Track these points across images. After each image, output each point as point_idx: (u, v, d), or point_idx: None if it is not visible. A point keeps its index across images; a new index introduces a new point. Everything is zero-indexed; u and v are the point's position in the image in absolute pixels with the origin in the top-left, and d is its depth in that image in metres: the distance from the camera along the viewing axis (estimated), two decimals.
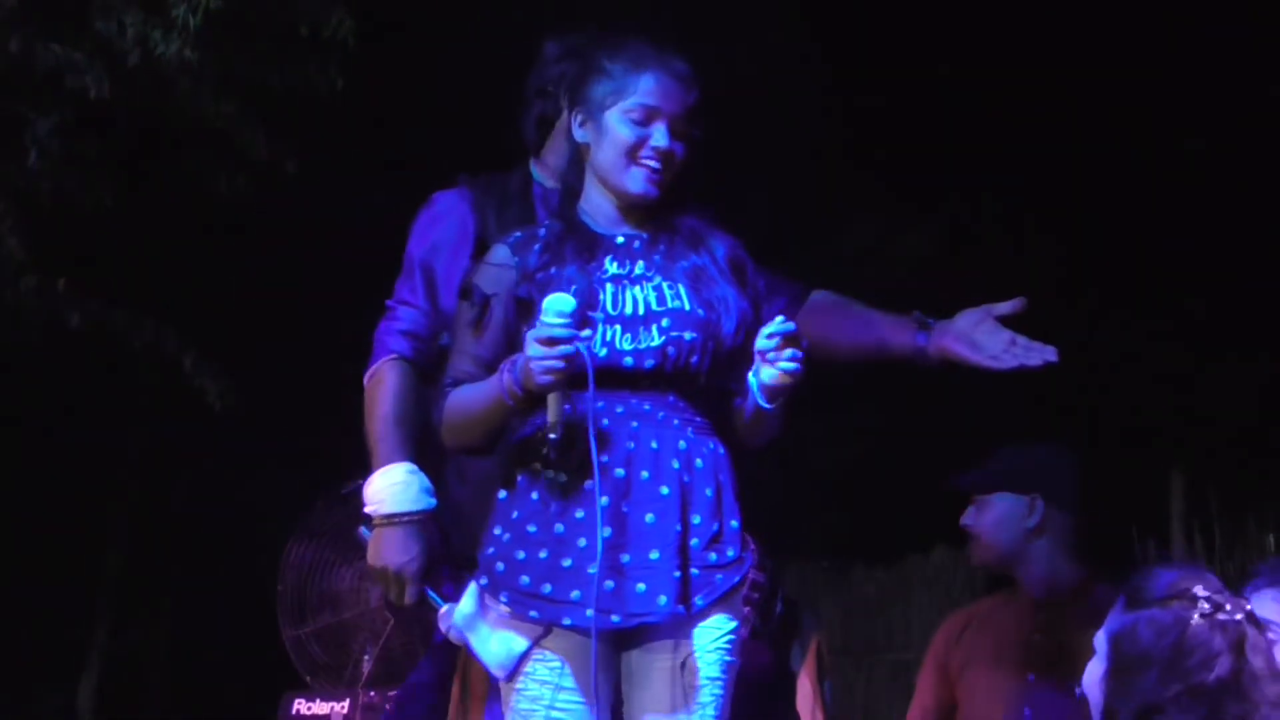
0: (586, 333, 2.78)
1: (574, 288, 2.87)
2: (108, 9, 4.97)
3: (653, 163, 2.92)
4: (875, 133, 5.46)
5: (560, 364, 2.72)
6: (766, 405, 2.82)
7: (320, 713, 4.70)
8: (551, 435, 2.75)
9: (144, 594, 6.23)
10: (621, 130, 2.93)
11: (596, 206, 3.00)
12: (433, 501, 3.00)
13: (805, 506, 5.88)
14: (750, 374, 2.83)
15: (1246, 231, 6.18)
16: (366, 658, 4.79)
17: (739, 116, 5.60)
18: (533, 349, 2.72)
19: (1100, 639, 2.50)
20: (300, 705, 4.74)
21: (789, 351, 2.77)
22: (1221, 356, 6.63)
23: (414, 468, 3.02)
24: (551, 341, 2.72)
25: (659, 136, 2.92)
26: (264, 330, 5.92)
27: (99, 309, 5.48)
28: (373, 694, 4.67)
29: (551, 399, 2.76)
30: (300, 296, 5.96)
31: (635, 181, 2.93)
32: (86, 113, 5.11)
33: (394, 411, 3.06)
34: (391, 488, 3.00)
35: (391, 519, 2.99)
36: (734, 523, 2.85)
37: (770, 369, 2.79)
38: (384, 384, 3.09)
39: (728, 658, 2.86)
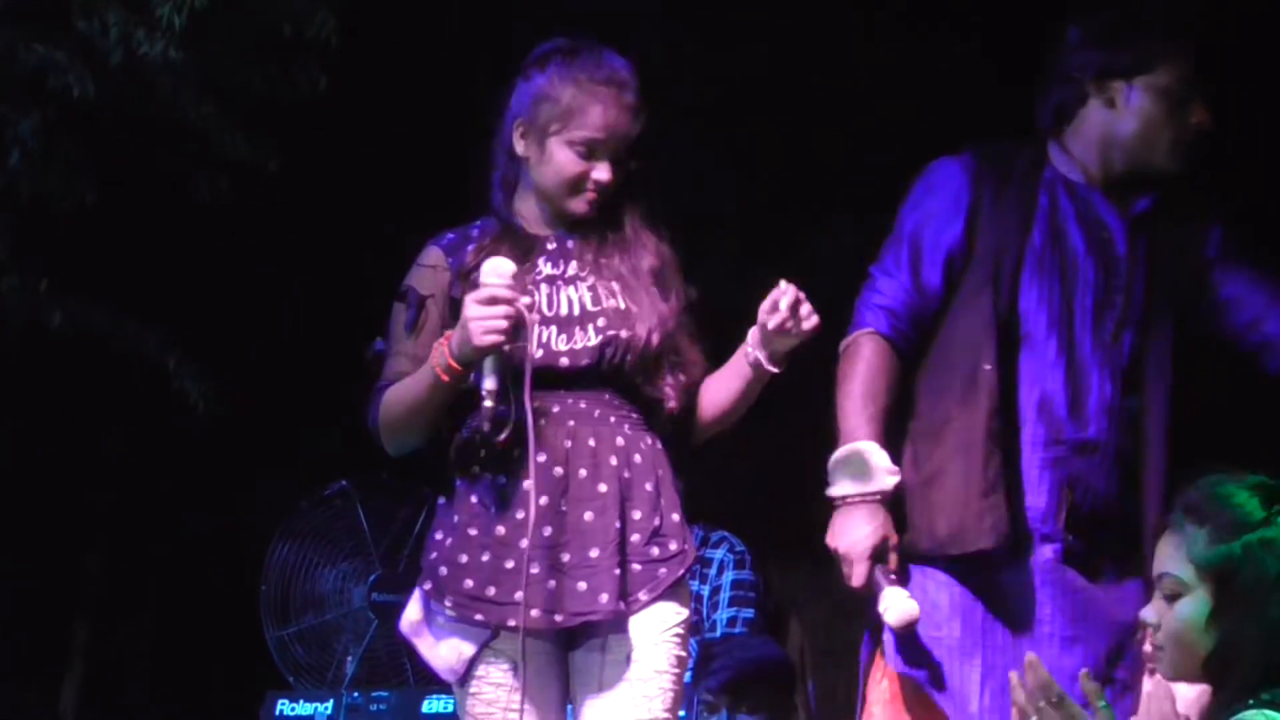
0: (527, 299, 2.79)
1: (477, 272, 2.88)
2: (90, 8, 4.95)
3: (592, 195, 2.93)
4: (857, 132, 5.45)
5: (503, 322, 2.73)
6: (776, 368, 2.84)
7: (303, 714, 4.70)
8: (485, 401, 2.75)
9: (126, 594, 6.21)
10: (564, 159, 2.94)
11: (530, 209, 3.02)
12: (891, 481, 2.90)
13: (787, 507, 5.88)
14: (749, 347, 2.85)
15: None
16: (350, 659, 4.79)
17: (723, 115, 5.61)
18: (473, 309, 2.73)
19: (1183, 574, 2.32)
20: (283, 706, 4.73)
21: (805, 309, 2.79)
22: None
23: (873, 446, 2.92)
24: (493, 300, 2.73)
25: (601, 171, 2.93)
26: (247, 331, 5.91)
27: (80, 309, 5.47)
28: (356, 695, 4.67)
29: (488, 362, 2.76)
30: (283, 298, 5.95)
31: (575, 206, 2.95)
32: (69, 112, 5.09)
33: (861, 388, 2.97)
34: (847, 467, 2.93)
35: (845, 499, 2.92)
36: (675, 516, 2.87)
37: (785, 337, 2.79)
38: (856, 359, 3.01)
39: (676, 650, 2.86)
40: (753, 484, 6.07)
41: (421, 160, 6.21)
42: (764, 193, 5.61)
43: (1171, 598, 2.31)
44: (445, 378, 2.79)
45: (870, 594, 2.88)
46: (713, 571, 4.87)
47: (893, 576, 2.86)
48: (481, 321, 2.73)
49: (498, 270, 2.78)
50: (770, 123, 5.55)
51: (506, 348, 2.76)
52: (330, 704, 4.64)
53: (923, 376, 3.02)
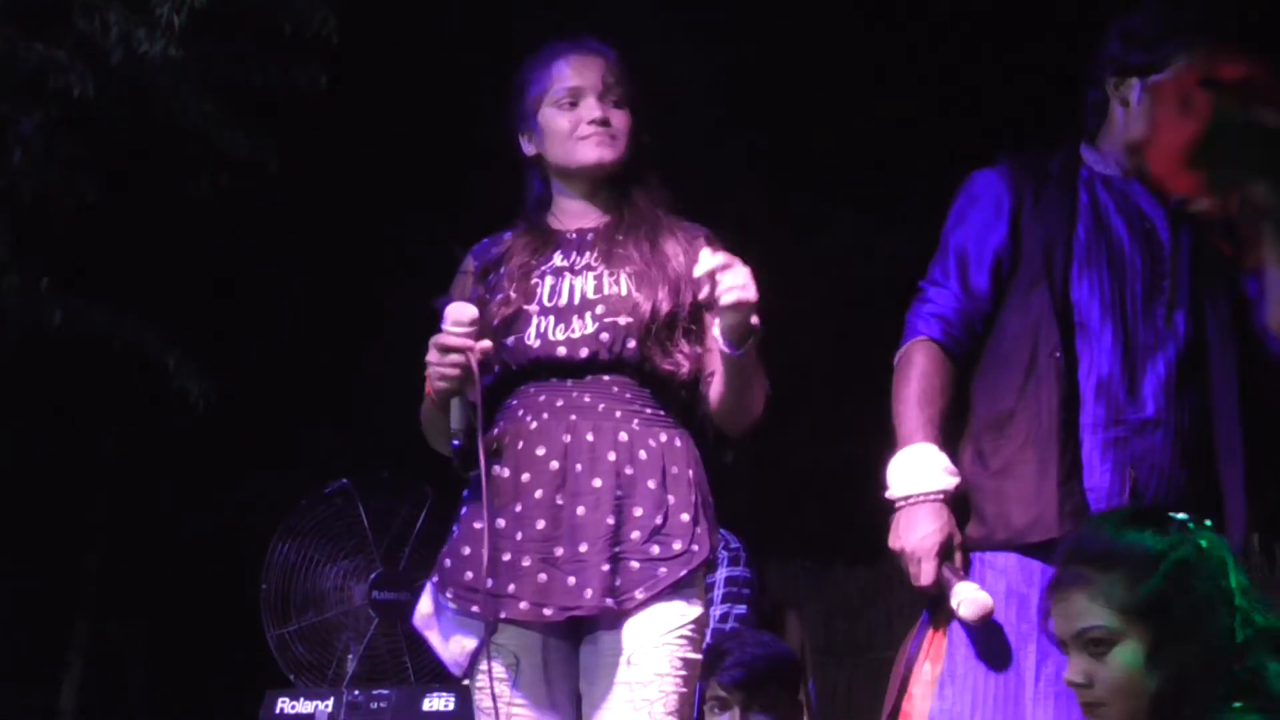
0: (485, 345, 2.80)
1: (498, 269, 2.90)
2: (90, 8, 4.96)
3: (593, 135, 2.95)
4: (858, 128, 5.46)
5: (451, 370, 2.76)
6: (732, 351, 2.81)
7: (304, 711, 4.69)
8: (454, 442, 2.79)
9: (125, 593, 6.21)
10: (555, 120, 2.99)
11: (564, 209, 3.03)
12: (951, 481, 2.93)
13: (786, 506, 5.89)
14: (715, 326, 2.84)
15: None
16: (351, 657, 4.79)
17: (721, 114, 5.61)
18: (430, 354, 2.77)
19: (1109, 623, 2.32)
20: (284, 704, 4.73)
21: (728, 277, 2.77)
22: None
23: (931, 448, 2.95)
24: (444, 347, 2.77)
25: (589, 109, 2.96)
26: (247, 330, 5.91)
27: (81, 308, 5.47)
28: (357, 693, 4.67)
29: (453, 405, 2.80)
30: (283, 296, 5.95)
31: (586, 151, 2.97)
32: (70, 112, 5.10)
33: (916, 393, 2.99)
34: (907, 469, 2.95)
35: (906, 499, 2.93)
36: (684, 515, 2.84)
37: (728, 313, 2.78)
38: (910, 365, 3.02)
39: (681, 653, 2.83)
40: (755, 482, 6.07)
41: (421, 158, 6.22)
42: (766, 187, 5.61)
43: (1101, 650, 2.29)
44: (432, 405, 2.86)
45: (939, 591, 2.91)
46: None
47: (961, 572, 2.91)
48: (434, 367, 2.78)
49: (455, 316, 2.82)
50: (772, 118, 5.55)
51: (466, 391, 2.80)
52: (331, 702, 4.64)
53: (979, 377, 3.05)
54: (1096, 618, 2.30)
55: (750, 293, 2.74)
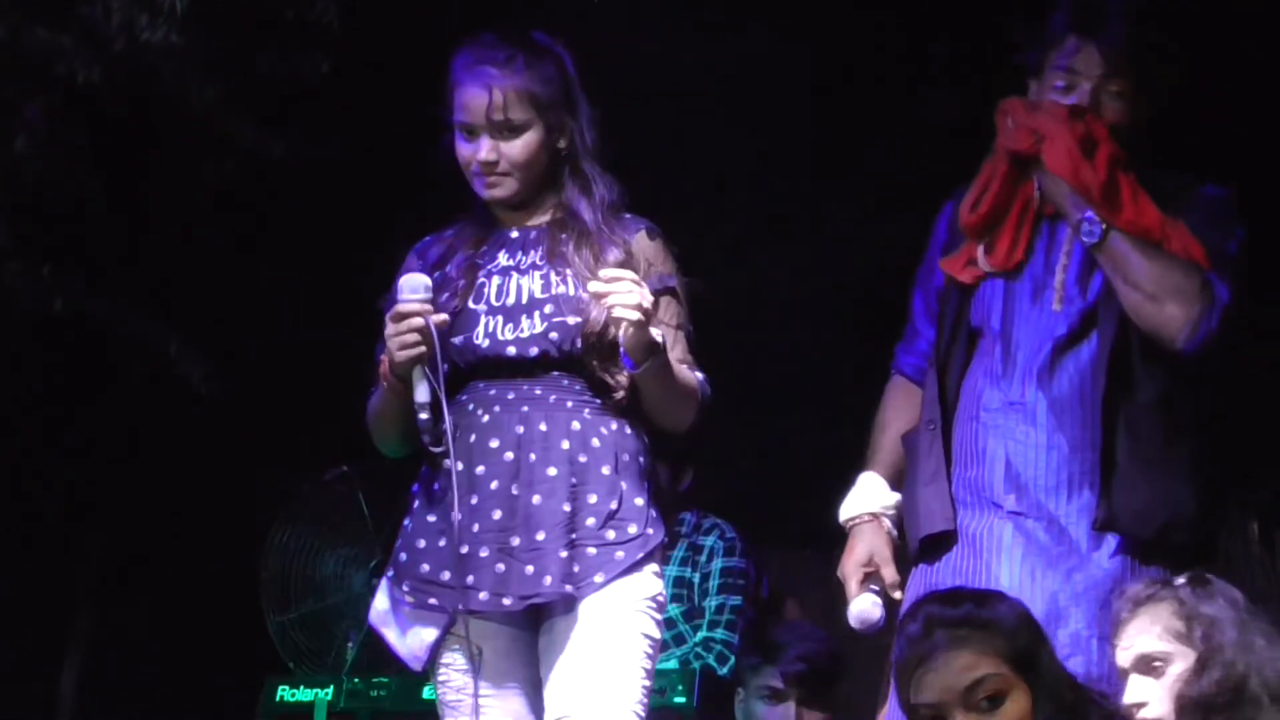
0: (442, 317, 2.80)
1: (441, 265, 2.91)
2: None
3: (480, 176, 2.95)
4: (857, 120, 5.45)
5: (412, 336, 2.76)
6: (631, 368, 2.83)
7: (303, 699, 4.70)
8: (421, 416, 2.78)
9: (125, 581, 6.21)
10: (458, 148, 3.00)
11: (480, 192, 3.04)
12: (878, 504, 3.13)
13: (788, 495, 5.88)
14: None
15: None
16: (350, 644, 4.79)
17: (719, 106, 5.60)
18: (387, 326, 2.77)
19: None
20: (283, 691, 4.73)
21: (615, 296, 2.77)
22: None
23: (873, 475, 3.17)
24: (401, 316, 2.77)
25: (481, 149, 2.95)
26: (249, 317, 5.91)
27: (82, 294, 5.47)
28: (357, 680, 4.67)
29: (415, 377, 2.79)
30: (286, 283, 5.95)
31: (480, 189, 2.98)
32: (73, 98, 5.09)
33: (877, 426, 3.24)
34: (849, 497, 3.17)
35: (844, 525, 3.16)
36: (638, 500, 2.86)
37: (621, 329, 2.80)
38: (881, 402, 3.28)
39: (640, 626, 2.84)
40: (755, 471, 6.07)
41: (426, 145, 6.20)
42: (767, 179, 5.60)
43: (991, 701, 2.32)
44: (389, 389, 2.85)
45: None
46: (703, 558, 4.87)
47: (874, 588, 3.07)
48: (394, 338, 2.78)
49: (410, 285, 2.83)
50: (774, 110, 5.54)
51: (428, 362, 2.79)
52: (330, 689, 4.64)
53: None
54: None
55: (634, 312, 2.75)
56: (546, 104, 2.95)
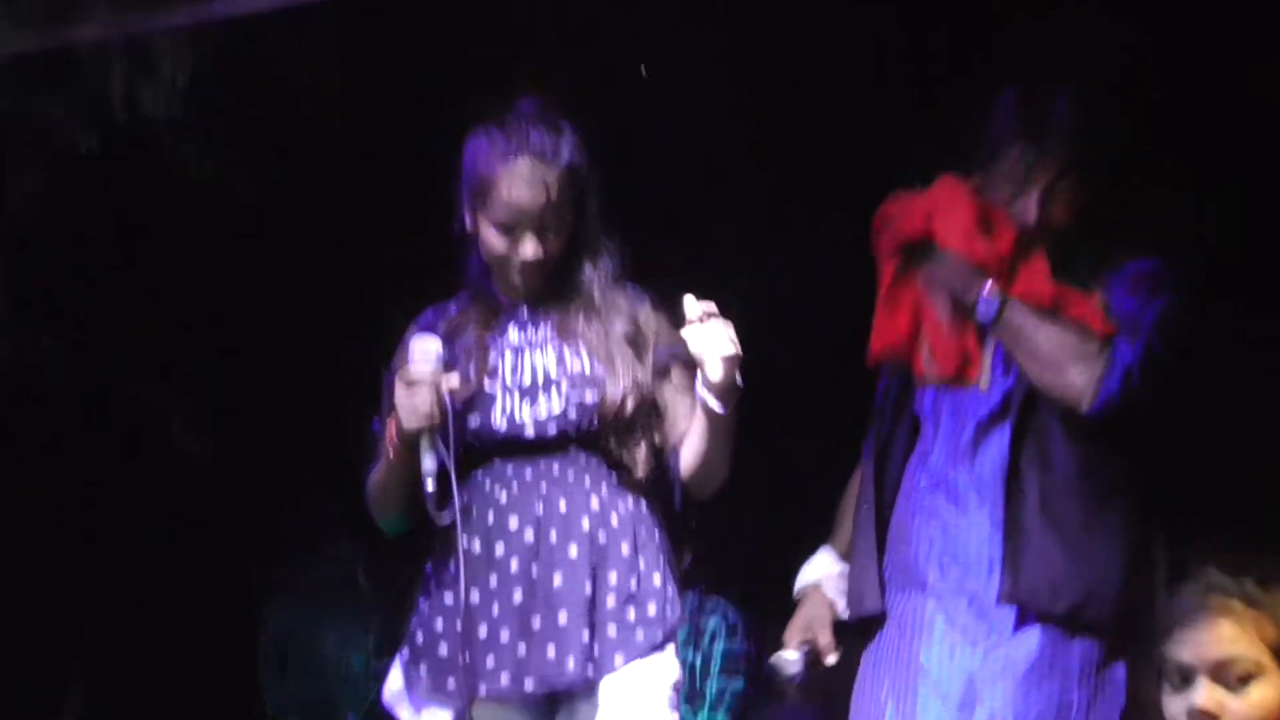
0: (454, 383, 2.76)
1: (449, 344, 2.86)
2: (96, 65, 4.96)
3: (520, 275, 2.89)
4: (855, 123, 5.40)
5: (424, 405, 2.71)
6: (721, 409, 2.78)
7: None
8: (429, 486, 2.74)
9: (116, 664, 6.15)
10: (489, 238, 2.93)
11: (510, 283, 2.99)
12: (820, 574, 3.31)
13: (794, 567, 5.82)
14: (698, 384, 2.81)
15: None
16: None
17: (724, 111, 5.57)
18: (398, 393, 2.72)
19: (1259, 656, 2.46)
20: None
21: (710, 334, 2.73)
22: None
23: (825, 549, 3.35)
24: (412, 382, 2.72)
25: (526, 248, 2.88)
26: (249, 387, 5.89)
27: (79, 357, 5.45)
28: None
29: (424, 444, 2.74)
30: (286, 351, 5.93)
31: (513, 285, 2.92)
32: (73, 169, 5.09)
33: (842, 508, 3.40)
34: (802, 570, 3.37)
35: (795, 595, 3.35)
36: (655, 578, 2.82)
37: (709, 368, 2.75)
38: (849, 480, 3.41)
39: (658, 712, 2.81)
40: (759, 542, 6.02)
41: (426, 208, 6.19)
42: (770, 183, 5.57)
43: (1242, 681, 2.33)
44: (395, 458, 2.80)
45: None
46: (705, 640, 4.83)
47: (806, 646, 3.29)
48: (404, 404, 2.73)
49: (421, 350, 2.78)
50: (778, 113, 5.50)
51: (436, 428, 2.75)
52: None
53: None
54: (1243, 649, 2.38)
55: (732, 348, 2.72)
56: (581, 188, 2.92)
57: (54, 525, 6.00)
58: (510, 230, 2.90)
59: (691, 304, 2.80)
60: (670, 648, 2.88)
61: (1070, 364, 2.99)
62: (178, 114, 4.95)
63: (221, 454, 5.45)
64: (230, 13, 3.38)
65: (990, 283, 3.02)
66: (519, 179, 2.89)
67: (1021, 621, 3.00)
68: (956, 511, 3.09)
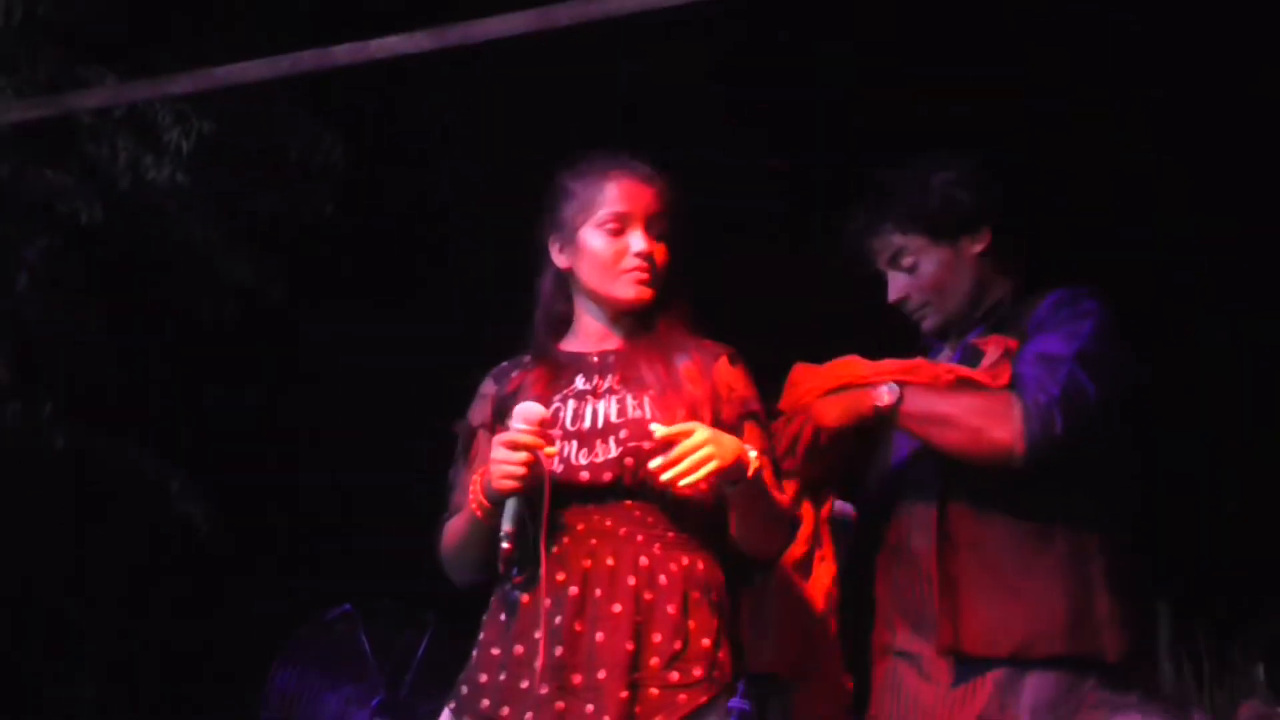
0: (552, 449, 2.76)
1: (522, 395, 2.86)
2: (99, 133, 4.99)
3: (636, 270, 2.90)
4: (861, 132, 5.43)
5: (518, 468, 2.71)
6: (729, 489, 2.79)
7: None
8: (503, 544, 2.72)
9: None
10: (597, 244, 2.92)
11: (586, 328, 2.99)
12: None
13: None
14: None
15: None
16: None
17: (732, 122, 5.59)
18: (495, 452, 2.72)
19: None
20: None
21: (675, 466, 2.74)
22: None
23: None
24: (514, 445, 2.72)
25: (636, 241, 2.90)
26: (250, 456, 5.89)
27: (83, 433, 5.45)
28: None
29: (509, 505, 2.74)
30: (288, 421, 5.94)
31: (624, 288, 2.91)
32: (75, 237, 5.11)
33: None
34: None
35: None
36: (705, 641, 2.80)
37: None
38: None
39: None
40: None
41: (428, 286, 6.23)
42: (787, 193, 5.59)
43: None
44: (479, 513, 2.79)
45: None
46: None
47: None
48: (499, 465, 2.73)
49: (525, 414, 2.77)
50: (794, 121, 5.53)
51: (526, 492, 2.74)
52: None
53: None
54: None
55: (697, 472, 2.72)
56: (673, 224, 2.94)
57: (57, 594, 6.00)
58: (620, 229, 2.90)
59: (659, 430, 2.81)
60: (714, 712, 2.84)
61: (988, 423, 2.97)
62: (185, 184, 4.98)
63: (224, 522, 5.44)
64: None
65: (884, 386, 3.04)
66: (627, 178, 2.93)
67: (976, 673, 2.98)
68: (909, 570, 3.09)
